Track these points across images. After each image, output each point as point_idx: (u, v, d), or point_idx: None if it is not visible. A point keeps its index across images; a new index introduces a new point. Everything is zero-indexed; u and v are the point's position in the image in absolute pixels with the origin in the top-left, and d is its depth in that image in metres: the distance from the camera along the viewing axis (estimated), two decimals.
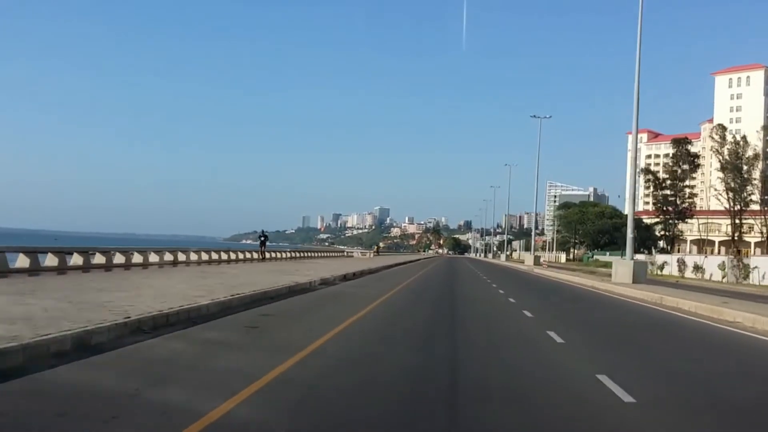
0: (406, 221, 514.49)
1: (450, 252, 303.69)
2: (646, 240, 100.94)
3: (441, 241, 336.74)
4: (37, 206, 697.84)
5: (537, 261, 65.89)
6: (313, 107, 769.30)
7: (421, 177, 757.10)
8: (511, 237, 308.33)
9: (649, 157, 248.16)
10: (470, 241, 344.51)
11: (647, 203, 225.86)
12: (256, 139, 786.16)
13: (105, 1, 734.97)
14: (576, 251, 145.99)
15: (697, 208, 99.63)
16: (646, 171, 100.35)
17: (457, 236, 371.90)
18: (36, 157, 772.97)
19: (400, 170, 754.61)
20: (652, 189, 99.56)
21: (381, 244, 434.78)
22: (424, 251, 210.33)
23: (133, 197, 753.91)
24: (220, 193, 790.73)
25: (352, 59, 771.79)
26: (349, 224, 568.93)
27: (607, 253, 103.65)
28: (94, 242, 45.39)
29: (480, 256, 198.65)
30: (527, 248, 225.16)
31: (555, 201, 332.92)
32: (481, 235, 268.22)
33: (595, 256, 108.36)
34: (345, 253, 75.43)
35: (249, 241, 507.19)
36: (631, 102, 28.39)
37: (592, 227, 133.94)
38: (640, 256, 77.46)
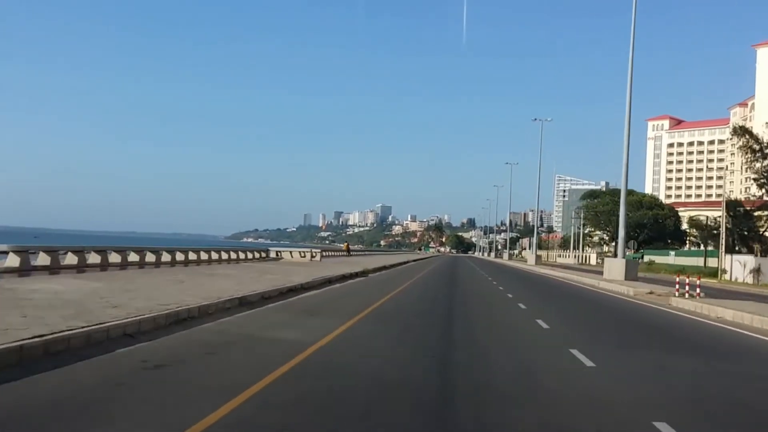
0: (409, 219, 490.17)
1: (453, 250, 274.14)
2: (745, 235, 68.62)
3: (443, 239, 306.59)
4: (35, 204, 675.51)
5: (632, 272, 30.40)
6: (315, 105, 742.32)
7: (424, 175, 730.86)
8: (517, 234, 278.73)
9: (671, 146, 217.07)
10: (474, 239, 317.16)
11: (689, 195, 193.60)
12: (258, 137, 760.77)
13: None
14: (603, 249, 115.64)
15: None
16: (741, 130, 66.18)
17: (460, 234, 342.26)
18: (33, 155, 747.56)
19: (402, 168, 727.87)
20: (750, 158, 64.33)
21: (382, 242, 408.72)
22: (419, 249, 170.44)
23: (133, 195, 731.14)
24: (222, 192, 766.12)
25: (353, 58, 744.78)
26: (350, 222, 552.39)
27: (671, 253, 72.34)
28: (92, 241, 37.96)
29: (491, 256, 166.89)
30: (541, 246, 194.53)
31: (564, 196, 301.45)
32: (485, 233, 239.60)
33: (645, 256, 76.88)
34: (276, 254, 43.12)
35: (250, 240, 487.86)
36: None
37: (629, 220, 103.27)
38: (746, 258, 47.19)
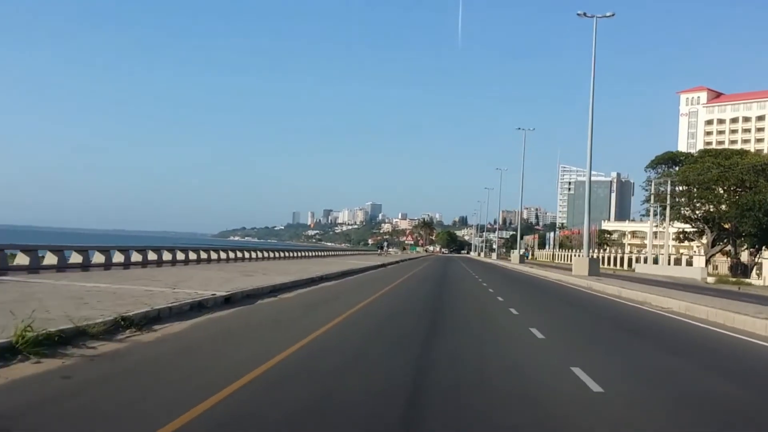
0: (399, 217, 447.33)
1: (444, 249, 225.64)
2: None
3: (433, 237, 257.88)
4: (26, 202, 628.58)
5: None
6: (306, 102, 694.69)
7: (415, 174, 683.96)
8: (512, 233, 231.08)
9: (710, 122, 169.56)
10: (466, 237, 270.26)
11: None
12: (247, 134, 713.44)
13: None
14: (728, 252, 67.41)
15: None
16: None
17: (452, 231, 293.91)
18: (26, 151, 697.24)
19: (393, 167, 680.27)
20: None
21: (370, 241, 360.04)
22: (380, 249, 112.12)
23: (121, 193, 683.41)
24: (210, 189, 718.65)
25: (345, 54, 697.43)
26: (339, 220, 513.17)
27: None
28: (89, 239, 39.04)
29: (495, 257, 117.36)
30: (561, 246, 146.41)
31: (570, 189, 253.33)
32: (477, 230, 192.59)
33: None
34: None
35: (237, 238, 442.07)
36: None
37: (758, 199, 54.19)
38: None
